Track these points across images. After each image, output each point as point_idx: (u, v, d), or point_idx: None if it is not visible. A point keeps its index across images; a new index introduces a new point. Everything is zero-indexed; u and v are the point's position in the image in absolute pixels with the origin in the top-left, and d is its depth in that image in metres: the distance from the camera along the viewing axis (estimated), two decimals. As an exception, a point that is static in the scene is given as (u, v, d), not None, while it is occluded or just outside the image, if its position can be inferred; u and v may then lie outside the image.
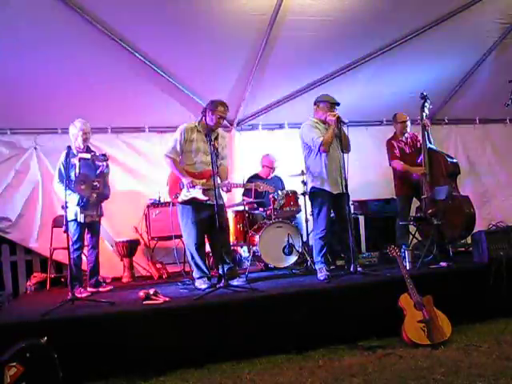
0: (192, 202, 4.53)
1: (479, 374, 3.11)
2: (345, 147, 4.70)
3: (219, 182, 4.62)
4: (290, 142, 6.62)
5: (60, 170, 4.82)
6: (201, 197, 4.49)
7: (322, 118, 4.80)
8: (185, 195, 4.53)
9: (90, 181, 4.65)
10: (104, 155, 4.84)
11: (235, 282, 4.57)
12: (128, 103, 5.82)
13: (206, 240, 4.80)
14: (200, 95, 5.85)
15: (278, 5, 4.88)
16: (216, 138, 4.60)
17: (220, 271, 4.62)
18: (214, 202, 4.30)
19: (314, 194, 4.83)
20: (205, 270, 4.67)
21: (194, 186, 4.49)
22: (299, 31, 5.29)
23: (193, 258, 4.63)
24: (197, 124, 4.64)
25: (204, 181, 4.54)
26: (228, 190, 4.82)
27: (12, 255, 6.12)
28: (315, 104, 4.89)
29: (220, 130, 4.75)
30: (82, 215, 4.72)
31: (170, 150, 4.59)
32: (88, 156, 4.76)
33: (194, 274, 4.74)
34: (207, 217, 4.51)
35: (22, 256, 6.13)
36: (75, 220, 4.72)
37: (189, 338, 3.75)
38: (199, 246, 4.61)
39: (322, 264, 4.77)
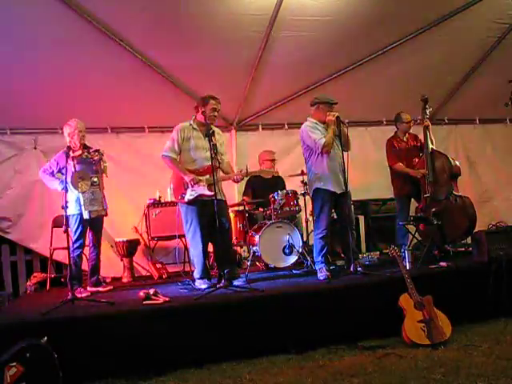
0: (196, 201, 4.53)
1: (479, 374, 3.11)
2: (345, 146, 4.71)
3: (223, 175, 4.69)
4: (289, 142, 6.63)
5: (51, 164, 4.86)
6: (207, 192, 4.48)
7: (322, 119, 4.80)
8: (190, 194, 4.52)
9: (88, 177, 4.66)
10: (98, 150, 4.82)
11: (236, 283, 4.57)
12: (128, 103, 5.81)
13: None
14: (200, 95, 5.83)
15: (278, 5, 4.88)
16: (212, 135, 4.60)
17: (221, 271, 4.64)
18: (216, 198, 4.30)
19: (317, 194, 4.82)
20: (206, 271, 4.68)
21: (197, 183, 4.49)
22: (299, 31, 5.30)
23: (197, 258, 4.63)
24: (191, 122, 4.67)
25: (208, 176, 4.52)
26: (238, 180, 4.84)
27: (12, 255, 6.12)
28: (314, 105, 4.88)
29: (214, 127, 4.75)
30: (87, 211, 4.71)
31: (168, 149, 4.61)
32: (79, 152, 4.75)
33: (194, 273, 4.74)
34: (211, 215, 4.46)
35: (21, 256, 6.13)
36: (80, 214, 4.70)
37: (189, 338, 3.75)
38: (204, 247, 4.60)
39: (322, 264, 4.77)
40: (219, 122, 5.67)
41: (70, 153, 4.66)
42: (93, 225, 4.91)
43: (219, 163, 4.56)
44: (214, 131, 4.65)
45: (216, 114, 4.65)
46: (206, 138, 4.47)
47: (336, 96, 4.89)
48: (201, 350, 3.74)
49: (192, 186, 4.49)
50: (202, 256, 4.58)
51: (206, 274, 4.66)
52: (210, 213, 4.40)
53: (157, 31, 5.00)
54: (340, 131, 4.70)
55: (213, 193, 4.41)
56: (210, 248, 4.94)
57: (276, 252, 5.37)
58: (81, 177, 4.60)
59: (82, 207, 4.70)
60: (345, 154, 4.66)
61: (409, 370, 3.30)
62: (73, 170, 4.68)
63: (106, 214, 5.00)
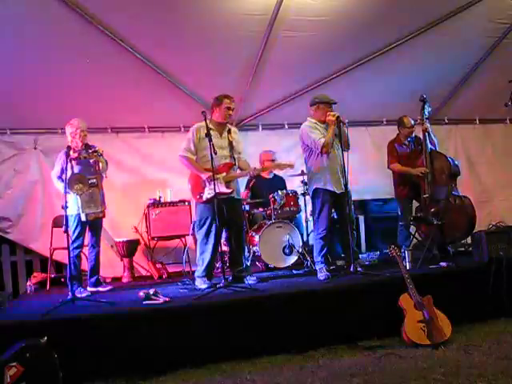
0: (213, 200, 4.53)
1: (479, 374, 3.11)
2: (345, 146, 4.71)
3: (240, 172, 4.78)
4: (289, 141, 6.63)
5: (58, 169, 4.83)
6: (225, 190, 4.50)
7: (322, 119, 4.80)
8: (208, 193, 4.53)
9: (86, 179, 4.64)
10: (95, 151, 4.78)
11: (249, 281, 4.62)
12: (128, 103, 5.81)
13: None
14: (200, 95, 5.86)
15: (278, 5, 4.88)
16: (229, 133, 4.68)
17: (234, 270, 4.74)
18: (232, 196, 4.43)
19: (317, 194, 4.82)
20: (210, 270, 4.70)
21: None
22: (299, 31, 5.30)
23: (204, 256, 4.63)
24: (207, 122, 4.68)
25: (224, 174, 4.56)
26: (254, 175, 4.90)
27: (12, 255, 6.12)
28: (313, 105, 4.88)
29: (231, 126, 4.83)
30: (84, 214, 4.70)
31: (184, 149, 4.65)
32: (76, 154, 4.74)
33: (196, 272, 4.75)
34: (226, 212, 4.50)
35: (21, 256, 6.13)
36: (78, 215, 4.70)
37: (189, 338, 3.75)
38: (215, 246, 4.60)
39: (322, 264, 4.77)
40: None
41: (71, 152, 4.65)
42: (91, 226, 4.90)
43: (235, 161, 4.66)
44: (230, 130, 4.75)
45: (231, 112, 4.72)
46: (223, 137, 4.59)
47: (336, 96, 4.89)
48: (201, 350, 3.73)
49: (209, 184, 4.50)
50: (210, 254, 4.60)
51: (208, 273, 4.67)
52: (225, 210, 4.45)
53: (157, 31, 5.00)
54: (340, 131, 4.70)
55: (230, 190, 4.52)
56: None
57: (276, 252, 5.38)
58: (78, 179, 4.58)
59: (80, 209, 4.69)
60: (345, 153, 4.66)
61: (409, 370, 3.30)
62: (71, 171, 4.65)
63: (104, 216, 4.98)
